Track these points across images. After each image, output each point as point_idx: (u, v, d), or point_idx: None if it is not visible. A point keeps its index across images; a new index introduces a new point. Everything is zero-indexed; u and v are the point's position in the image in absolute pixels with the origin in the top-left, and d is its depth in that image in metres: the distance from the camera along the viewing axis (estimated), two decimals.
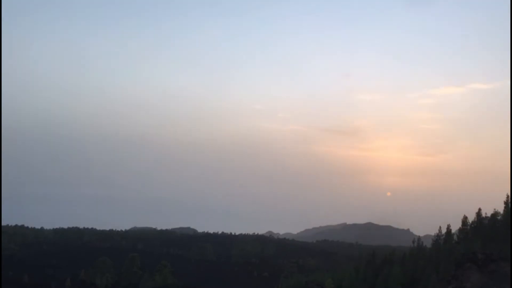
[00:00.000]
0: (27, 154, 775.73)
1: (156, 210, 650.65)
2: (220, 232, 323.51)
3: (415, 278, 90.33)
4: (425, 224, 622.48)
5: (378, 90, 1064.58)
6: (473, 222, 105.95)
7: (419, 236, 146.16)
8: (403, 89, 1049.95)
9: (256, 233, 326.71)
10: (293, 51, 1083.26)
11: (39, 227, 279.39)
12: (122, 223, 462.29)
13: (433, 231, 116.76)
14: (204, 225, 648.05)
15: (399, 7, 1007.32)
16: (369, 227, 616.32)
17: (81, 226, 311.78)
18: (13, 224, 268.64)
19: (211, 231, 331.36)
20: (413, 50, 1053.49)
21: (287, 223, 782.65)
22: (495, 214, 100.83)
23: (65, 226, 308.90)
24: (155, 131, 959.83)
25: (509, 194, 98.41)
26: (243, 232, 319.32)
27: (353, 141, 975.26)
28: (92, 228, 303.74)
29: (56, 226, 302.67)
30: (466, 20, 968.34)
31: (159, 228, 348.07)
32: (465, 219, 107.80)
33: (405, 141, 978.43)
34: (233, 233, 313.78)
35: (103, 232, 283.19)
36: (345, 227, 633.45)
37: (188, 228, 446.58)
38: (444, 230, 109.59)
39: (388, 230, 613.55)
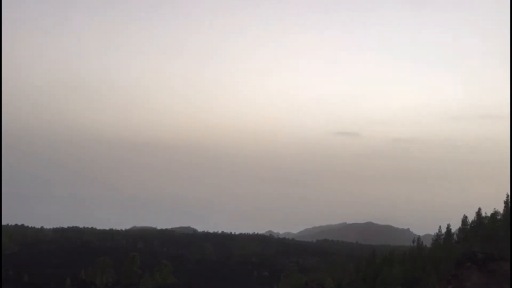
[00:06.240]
0: (27, 154, 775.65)
1: (156, 210, 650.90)
2: (220, 232, 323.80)
3: (415, 278, 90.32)
4: (425, 223, 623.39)
5: (377, 91, 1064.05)
6: (473, 222, 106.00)
7: (419, 235, 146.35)
8: (401, 88, 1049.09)
9: (256, 233, 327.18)
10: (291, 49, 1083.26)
11: (39, 227, 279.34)
12: (122, 222, 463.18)
13: (433, 231, 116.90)
14: (204, 225, 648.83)
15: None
16: (369, 227, 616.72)
17: (81, 226, 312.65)
18: (13, 224, 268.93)
19: (211, 231, 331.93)
20: (418, 52, 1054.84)
21: (287, 223, 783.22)
22: (495, 214, 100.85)
23: (65, 226, 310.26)
24: (155, 131, 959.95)
25: (509, 194, 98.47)
26: (243, 232, 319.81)
27: (353, 141, 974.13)
28: (92, 228, 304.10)
29: (56, 226, 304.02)
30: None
31: (159, 228, 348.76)
32: (465, 219, 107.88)
33: (405, 141, 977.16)
34: (233, 233, 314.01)
35: (103, 231, 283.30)
36: (345, 227, 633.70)
37: (188, 227, 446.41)
38: (444, 230, 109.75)
39: (388, 229, 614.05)
